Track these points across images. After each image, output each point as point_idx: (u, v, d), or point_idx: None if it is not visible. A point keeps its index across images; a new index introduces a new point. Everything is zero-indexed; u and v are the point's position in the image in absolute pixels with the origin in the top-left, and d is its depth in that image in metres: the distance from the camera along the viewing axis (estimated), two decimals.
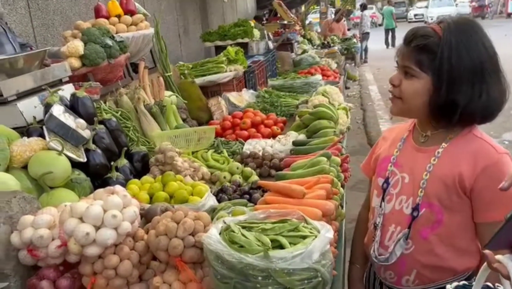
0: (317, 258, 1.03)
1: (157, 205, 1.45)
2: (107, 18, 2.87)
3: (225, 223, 1.16)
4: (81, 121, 1.80)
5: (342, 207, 1.71)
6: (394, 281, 1.43)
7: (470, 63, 1.22)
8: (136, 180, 1.78)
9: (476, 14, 25.33)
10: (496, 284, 0.89)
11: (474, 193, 1.27)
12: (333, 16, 13.18)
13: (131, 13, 3.03)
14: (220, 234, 1.11)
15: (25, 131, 1.72)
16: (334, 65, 6.32)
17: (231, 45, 4.75)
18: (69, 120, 1.75)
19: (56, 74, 2.02)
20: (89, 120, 1.85)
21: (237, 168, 2.08)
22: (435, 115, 1.30)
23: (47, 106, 1.75)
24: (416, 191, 1.33)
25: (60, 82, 2.05)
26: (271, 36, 6.70)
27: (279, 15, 9.94)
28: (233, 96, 3.58)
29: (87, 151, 1.76)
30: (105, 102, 2.37)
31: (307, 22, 13.51)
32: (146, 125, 2.48)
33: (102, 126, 1.91)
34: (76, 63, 2.31)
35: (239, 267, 1.02)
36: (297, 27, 8.65)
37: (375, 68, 12.83)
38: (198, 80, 3.57)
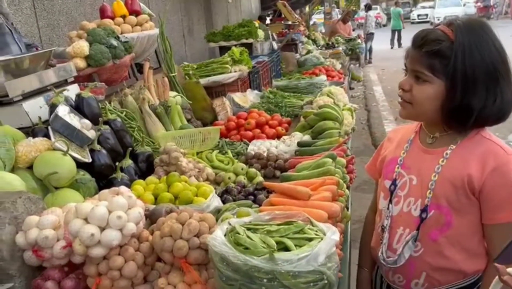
0: (323, 261, 1.02)
1: (162, 206, 1.45)
2: (112, 18, 2.87)
3: (230, 224, 1.15)
4: (86, 121, 1.80)
5: (347, 209, 1.70)
6: (403, 285, 1.42)
7: (483, 66, 1.20)
8: (141, 180, 1.78)
9: (481, 14, 25.17)
10: None
11: (483, 195, 1.26)
12: (339, 16, 13.14)
13: (136, 13, 3.03)
14: (225, 235, 1.11)
15: (30, 131, 1.72)
16: (338, 66, 6.30)
17: (235, 45, 4.74)
18: (74, 120, 1.75)
19: (62, 75, 2.03)
20: (94, 121, 1.85)
21: (242, 169, 2.08)
22: (448, 119, 1.28)
23: (53, 107, 1.75)
24: (425, 192, 1.33)
25: (65, 83, 2.06)
26: (275, 37, 6.70)
27: (283, 16, 9.94)
28: (237, 96, 3.57)
29: (92, 151, 1.76)
30: (110, 103, 2.38)
31: (311, 22, 13.48)
32: (150, 126, 2.47)
33: (107, 126, 1.91)
34: (81, 63, 2.31)
35: (244, 269, 1.01)
36: (302, 28, 8.64)
37: (380, 69, 12.79)
38: (203, 81, 3.57)
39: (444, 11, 23.62)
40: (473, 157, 1.27)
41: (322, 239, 1.07)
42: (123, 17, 2.92)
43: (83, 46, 2.33)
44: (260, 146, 2.49)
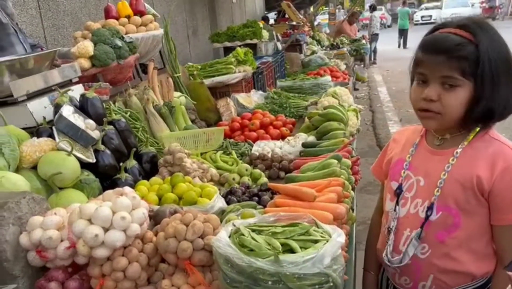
0: (328, 263, 1.01)
1: (166, 206, 1.45)
2: (117, 19, 2.88)
3: (234, 226, 1.15)
4: (91, 121, 1.80)
5: (352, 210, 1.69)
6: (410, 287, 1.41)
7: (503, 64, 1.21)
8: (145, 181, 1.77)
9: (487, 15, 25.01)
10: None
11: (492, 195, 1.25)
12: (344, 17, 13.11)
13: (141, 14, 3.03)
14: (229, 237, 1.10)
15: (35, 131, 1.72)
16: (343, 66, 6.28)
17: (239, 46, 4.74)
18: (79, 120, 1.75)
19: (66, 75, 2.03)
20: (99, 121, 1.85)
21: (246, 169, 2.07)
22: (473, 120, 1.26)
23: (57, 107, 1.75)
24: (432, 191, 1.31)
25: (70, 83, 2.06)
26: (279, 37, 6.69)
27: (287, 16, 9.93)
28: (241, 97, 3.57)
29: (96, 151, 1.76)
30: (114, 103, 2.37)
31: (315, 23, 13.46)
32: (155, 126, 2.47)
33: (111, 126, 1.91)
34: (86, 63, 2.31)
35: (249, 271, 1.00)
36: (306, 28, 8.62)
37: (384, 70, 12.75)
38: (207, 81, 3.57)
39: (451, 12, 23.09)
40: (482, 158, 1.27)
41: (327, 241, 1.06)
42: (128, 17, 2.93)
43: (87, 46, 2.33)
44: (265, 147, 2.48)
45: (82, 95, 1.90)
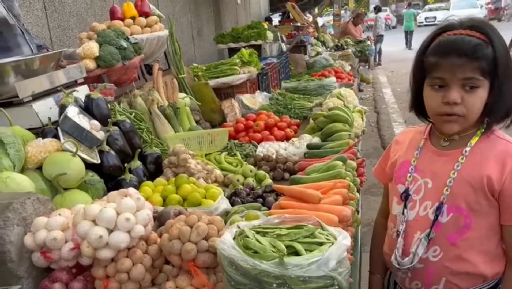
0: (333, 266, 1.00)
1: (171, 208, 1.44)
2: (122, 20, 2.88)
3: (239, 227, 1.14)
4: (95, 122, 1.80)
5: (358, 212, 1.68)
6: None
7: (509, 62, 1.23)
8: (149, 182, 1.77)
9: (492, 16, 24.85)
10: None
11: (502, 195, 1.25)
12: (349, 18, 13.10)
13: (146, 15, 3.04)
14: (234, 239, 1.09)
15: (40, 132, 1.73)
16: (348, 68, 6.27)
17: (244, 47, 4.74)
18: (84, 121, 1.75)
19: (71, 76, 2.03)
20: (103, 122, 1.85)
21: (251, 171, 2.06)
22: (493, 119, 1.27)
23: (62, 107, 1.75)
24: (441, 191, 1.31)
25: (75, 84, 2.06)
26: (284, 38, 6.68)
27: (292, 17, 9.92)
28: (246, 98, 3.56)
29: (101, 152, 1.76)
30: (119, 104, 2.38)
31: (320, 24, 13.43)
32: (159, 127, 2.47)
33: (116, 127, 1.91)
34: (91, 64, 2.32)
35: (254, 273, 1.00)
36: (311, 29, 8.61)
37: (389, 71, 12.70)
38: (212, 82, 3.57)
39: (460, 13, 22.70)
40: (491, 158, 1.27)
41: (333, 244, 1.05)
42: (133, 18, 2.93)
43: (93, 47, 2.34)
44: (269, 148, 2.47)
45: (87, 96, 1.91)
